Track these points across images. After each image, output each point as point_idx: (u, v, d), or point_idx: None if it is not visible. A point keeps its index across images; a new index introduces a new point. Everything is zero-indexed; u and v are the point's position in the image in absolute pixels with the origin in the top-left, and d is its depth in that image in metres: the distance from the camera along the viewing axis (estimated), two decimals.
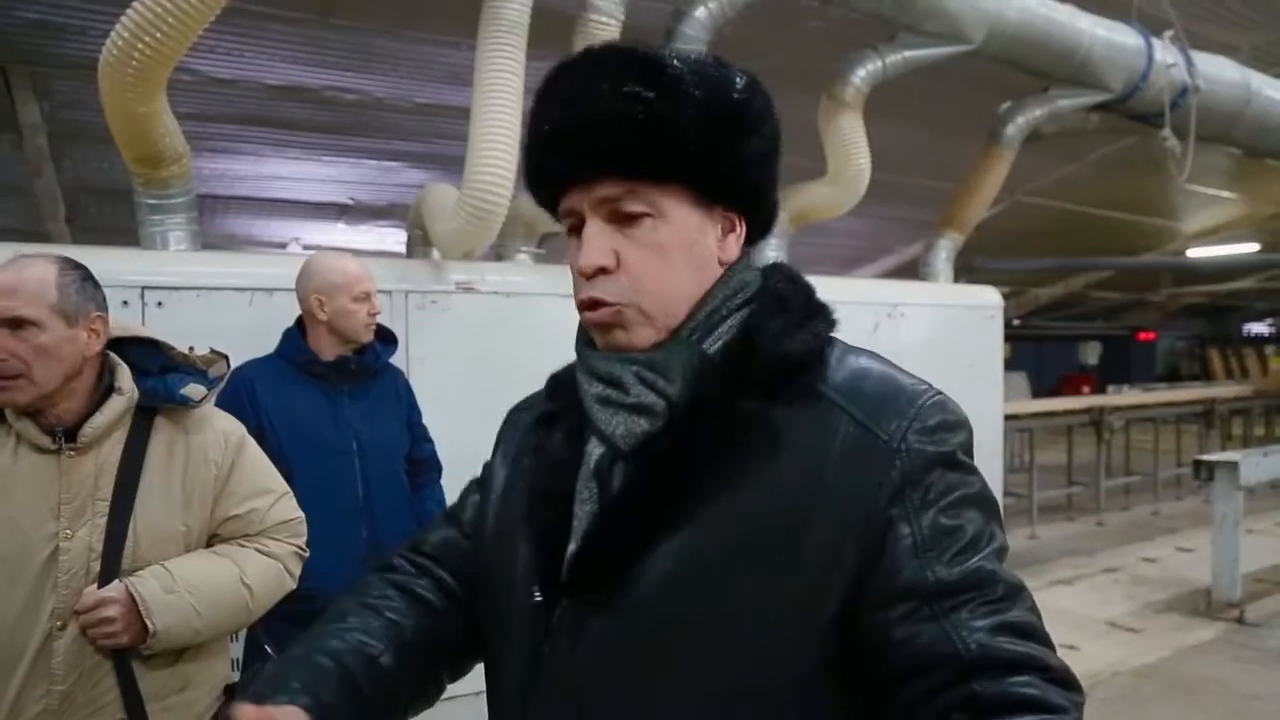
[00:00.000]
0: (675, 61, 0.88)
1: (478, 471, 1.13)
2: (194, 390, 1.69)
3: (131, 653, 1.58)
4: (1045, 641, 0.81)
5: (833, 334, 0.94)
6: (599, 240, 0.88)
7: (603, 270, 0.88)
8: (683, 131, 0.85)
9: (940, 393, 0.89)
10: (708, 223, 0.91)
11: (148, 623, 1.54)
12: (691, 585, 0.84)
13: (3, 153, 5.86)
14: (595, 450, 0.92)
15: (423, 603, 1.04)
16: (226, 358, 1.82)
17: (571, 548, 0.90)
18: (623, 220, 0.88)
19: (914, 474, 0.83)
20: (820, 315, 0.94)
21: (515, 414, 1.11)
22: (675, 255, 0.89)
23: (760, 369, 0.87)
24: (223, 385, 1.79)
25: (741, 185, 0.92)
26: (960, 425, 0.88)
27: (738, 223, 0.94)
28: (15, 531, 1.51)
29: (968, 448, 0.88)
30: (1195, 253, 12.68)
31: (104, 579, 1.55)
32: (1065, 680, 0.79)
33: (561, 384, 1.02)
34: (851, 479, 0.83)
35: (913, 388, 0.89)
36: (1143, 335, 22.45)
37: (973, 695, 0.77)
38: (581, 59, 0.90)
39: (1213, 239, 12.47)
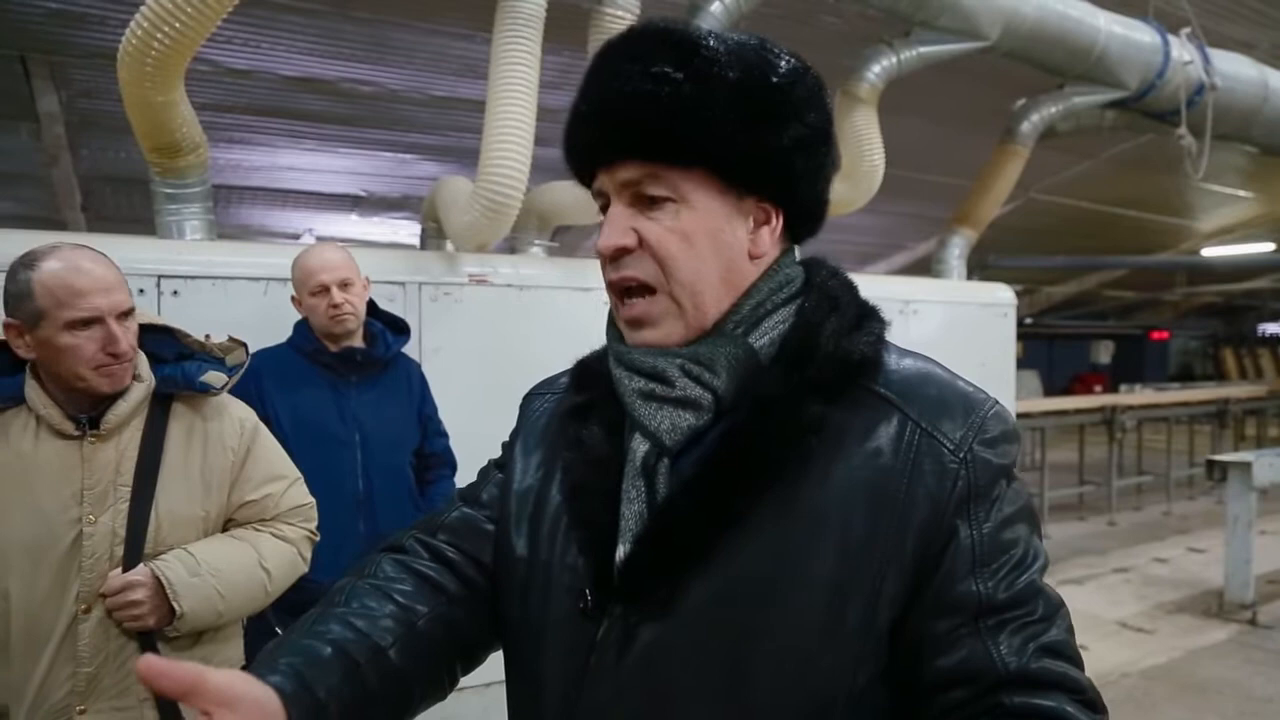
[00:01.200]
0: (712, 42, 0.84)
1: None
2: (215, 378, 1.71)
3: (156, 635, 1.61)
4: (1078, 661, 0.82)
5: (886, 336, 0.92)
6: (619, 221, 0.86)
7: (623, 250, 0.86)
8: (708, 114, 0.81)
9: (998, 402, 0.88)
10: (736, 213, 0.87)
11: (174, 605, 1.57)
12: (753, 591, 0.81)
13: (21, 141, 5.91)
14: (640, 447, 0.88)
15: (437, 589, 0.97)
16: (245, 345, 1.83)
17: (621, 551, 0.85)
18: (645, 204, 0.86)
19: (979, 486, 0.82)
20: (874, 316, 0.91)
21: (533, 399, 1.07)
22: (700, 242, 0.85)
23: (821, 369, 0.85)
24: (242, 372, 1.81)
25: (775, 175, 0.86)
26: (1016, 437, 0.87)
27: (773, 215, 0.89)
28: (39, 517, 1.53)
29: (1017, 457, 0.87)
30: (1210, 252, 12.59)
31: (128, 563, 1.57)
32: (1093, 703, 0.80)
33: (592, 374, 0.98)
34: (917, 484, 0.81)
35: (974, 395, 0.87)
36: (1156, 334, 22.31)
37: (999, 705, 0.78)
38: (623, 38, 0.87)
39: (1228, 238, 12.38)
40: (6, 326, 1.54)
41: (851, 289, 0.93)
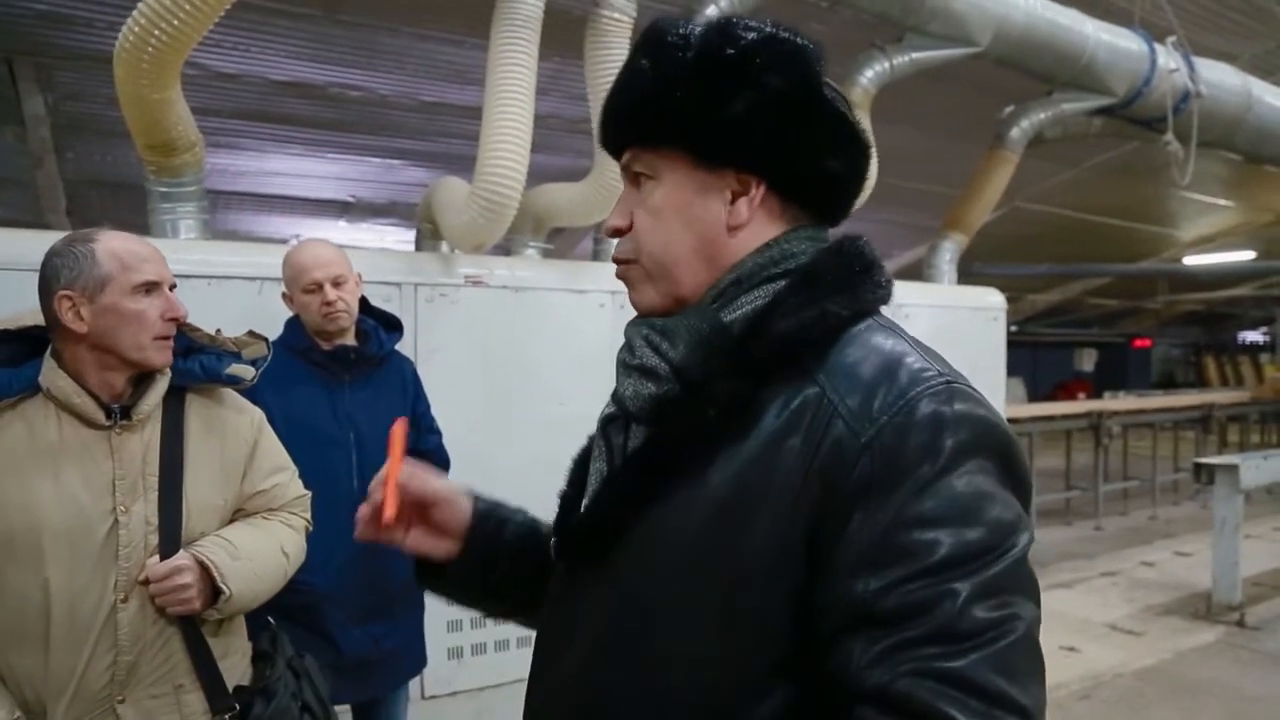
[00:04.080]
0: (680, 30, 0.89)
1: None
2: (242, 370, 1.74)
3: (196, 620, 1.62)
4: (988, 696, 0.68)
5: (860, 311, 0.87)
6: (621, 204, 0.95)
7: (618, 230, 0.95)
8: (663, 95, 0.87)
9: (952, 382, 0.79)
10: (711, 186, 0.89)
11: (222, 587, 1.58)
12: (660, 568, 0.83)
13: (6, 144, 5.84)
14: (606, 410, 0.96)
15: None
16: (266, 340, 1.84)
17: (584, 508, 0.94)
18: (637, 183, 0.93)
19: (881, 472, 0.74)
20: (848, 291, 0.86)
21: None
22: (669, 216, 0.90)
23: (759, 347, 0.83)
24: (266, 365, 1.82)
25: (739, 143, 0.87)
26: (962, 422, 0.76)
27: (753, 186, 0.88)
28: (75, 508, 1.53)
29: (971, 449, 0.75)
30: (1192, 260, 12.73)
31: (165, 551, 1.58)
32: None
33: None
34: (822, 473, 0.77)
35: (914, 374, 0.79)
36: (1139, 342, 22.48)
37: (846, 717, 0.73)
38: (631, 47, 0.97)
39: (1209, 246, 12.53)
40: (60, 299, 1.53)
41: (848, 266, 0.89)
